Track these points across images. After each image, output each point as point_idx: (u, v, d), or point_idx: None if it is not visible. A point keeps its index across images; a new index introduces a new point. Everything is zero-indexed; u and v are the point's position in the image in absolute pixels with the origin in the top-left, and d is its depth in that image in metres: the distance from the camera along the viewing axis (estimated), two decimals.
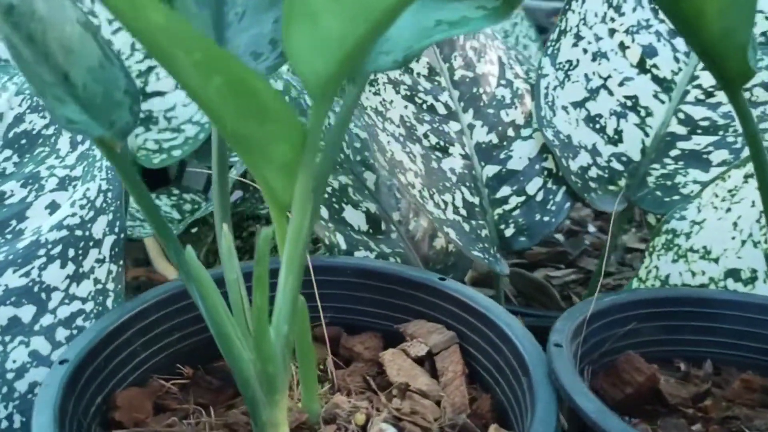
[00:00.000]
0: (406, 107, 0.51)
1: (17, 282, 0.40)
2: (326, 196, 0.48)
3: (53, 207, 0.43)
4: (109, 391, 0.37)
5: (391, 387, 0.39)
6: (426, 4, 0.32)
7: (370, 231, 0.50)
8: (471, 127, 0.54)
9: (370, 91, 0.49)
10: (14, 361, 0.38)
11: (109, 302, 0.40)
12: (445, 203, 0.49)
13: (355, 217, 0.49)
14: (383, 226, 0.51)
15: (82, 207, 0.42)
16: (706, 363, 0.42)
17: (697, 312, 0.43)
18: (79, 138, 0.45)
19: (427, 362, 0.41)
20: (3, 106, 0.47)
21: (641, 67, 0.54)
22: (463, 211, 0.51)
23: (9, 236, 0.42)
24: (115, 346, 0.38)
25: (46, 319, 0.39)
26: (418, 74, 0.52)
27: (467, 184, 0.52)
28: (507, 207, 0.54)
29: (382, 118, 0.49)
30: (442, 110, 0.53)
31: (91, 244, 0.41)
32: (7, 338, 0.39)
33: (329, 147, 0.31)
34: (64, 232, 0.41)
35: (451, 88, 0.54)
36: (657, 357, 0.43)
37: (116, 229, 0.42)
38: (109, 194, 0.43)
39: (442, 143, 0.52)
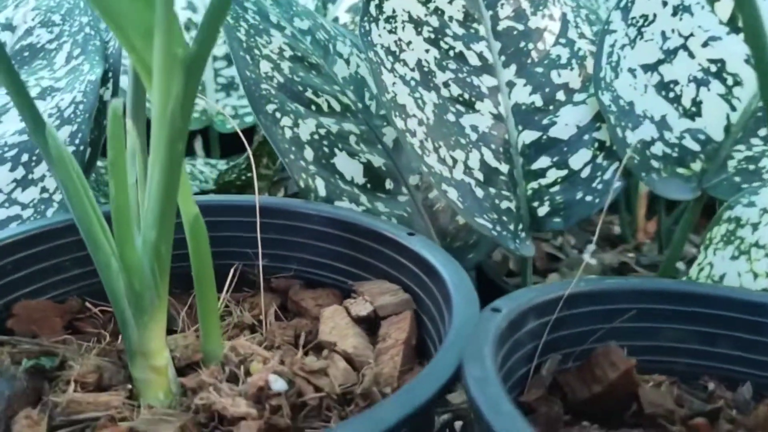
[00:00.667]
0: (427, 51, 0.44)
1: None
2: (317, 137, 0.42)
3: None
4: (14, 298, 0.34)
5: (316, 344, 0.33)
6: None
7: (368, 186, 0.44)
8: (510, 84, 0.46)
9: (384, 28, 0.43)
10: None
11: (50, 212, 0.38)
12: (454, 160, 0.42)
13: (348, 167, 0.43)
14: (389, 185, 0.45)
15: (50, 116, 0.41)
16: (743, 386, 0.32)
17: (742, 319, 0.33)
18: (75, 52, 0.44)
19: (372, 325, 0.34)
20: (19, 19, 0.46)
21: (732, 24, 0.44)
22: (478, 174, 0.43)
23: None
24: (34, 252, 0.35)
25: None
26: (450, 18, 0.46)
27: (492, 147, 0.44)
28: (544, 181, 0.45)
29: (393, 59, 0.43)
30: (474, 60, 0.46)
31: None
32: None
33: (210, 15, 0.26)
34: (24, 137, 0.40)
35: (491, 38, 0.47)
36: (678, 370, 0.32)
37: (77, 141, 0.39)
38: (81, 106, 0.40)
39: (466, 96, 0.45)
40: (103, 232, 0.29)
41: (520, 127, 0.46)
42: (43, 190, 0.38)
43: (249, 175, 0.61)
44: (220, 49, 0.75)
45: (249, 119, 0.74)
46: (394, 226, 0.37)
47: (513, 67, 0.47)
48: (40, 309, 0.35)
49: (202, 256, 0.31)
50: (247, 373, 0.30)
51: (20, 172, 0.39)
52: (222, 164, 0.68)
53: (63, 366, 0.31)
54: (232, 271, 0.38)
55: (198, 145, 0.78)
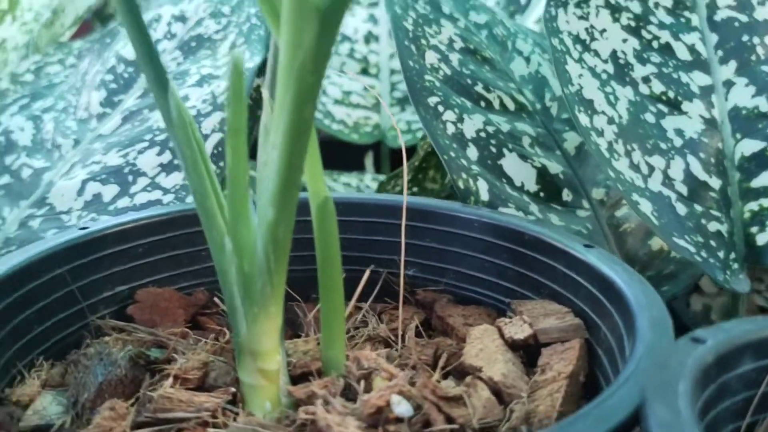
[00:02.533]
0: (625, 41, 0.37)
1: (114, 161, 0.38)
2: (483, 135, 0.37)
3: (184, 100, 0.40)
4: (141, 284, 0.32)
5: (458, 368, 0.27)
6: None
7: (540, 194, 0.37)
8: (728, 84, 0.38)
9: (573, 13, 0.37)
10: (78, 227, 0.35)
11: (189, 199, 0.35)
12: (650, 168, 0.34)
13: (518, 170, 0.36)
14: (566, 197, 0.38)
15: (204, 102, 0.39)
16: None
17: None
18: (239, 41, 0.42)
19: (530, 353, 0.27)
20: (191, 11, 0.46)
21: None
22: (681, 187, 0.35)
23: (137, 123, 0.40)
24: (167, 238, 0.33)
25: (123, 201, 0.36)
26: (656, 4, 0.38)
27: (701, 156, 0.36)
28: (766, 202, 0.36)
29: (581, 47, 0.36)
30: (683, 54, 0.38)
31: None
32: (84, 213, 0.36)
33: None
34: None
35: (705, 29, 0.38)
36: None
37: (224, 128, 0.37)
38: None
39: (671, 95, 0.37)
40: (219, 208, 0.25)
41: (738, 136, 0.37)
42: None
43: (416, 189, 0.56)
44: (396, 61, 0.73)
45: (420, 134, 0.70)
46: (568, 237, 0.30)
47: (732, 64, 0.38)
48: (165, 298, 0.32)
49: (329, 247, 0.26)
50: (368, 390, 0.24)
51: (166, 157, 0.37)
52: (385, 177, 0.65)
53: (171, 360, 0.27)
54: (364, 276, 0.33)
55: (368, 161, 0.75)
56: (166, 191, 0.36)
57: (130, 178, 0.36)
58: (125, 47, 0.45)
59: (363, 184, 0.67)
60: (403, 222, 0.32)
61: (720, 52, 0.38)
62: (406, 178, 0.33)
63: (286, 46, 0.22)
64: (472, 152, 0.36)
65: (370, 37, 0.70)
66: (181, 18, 0.45)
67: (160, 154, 0.37)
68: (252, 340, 0.25)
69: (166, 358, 0.27)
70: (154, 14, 0.46)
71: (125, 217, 0.32)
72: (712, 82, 0.38)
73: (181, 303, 0.32)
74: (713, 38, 0.38)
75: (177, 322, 0.31)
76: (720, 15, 0.39)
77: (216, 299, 0.33)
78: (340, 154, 0.69)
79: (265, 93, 0.27)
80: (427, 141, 0.46)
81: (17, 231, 0.37)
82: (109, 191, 0.36)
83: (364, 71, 0.70)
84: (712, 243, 0.34)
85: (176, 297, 0.32)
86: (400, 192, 0.56)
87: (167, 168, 0.36)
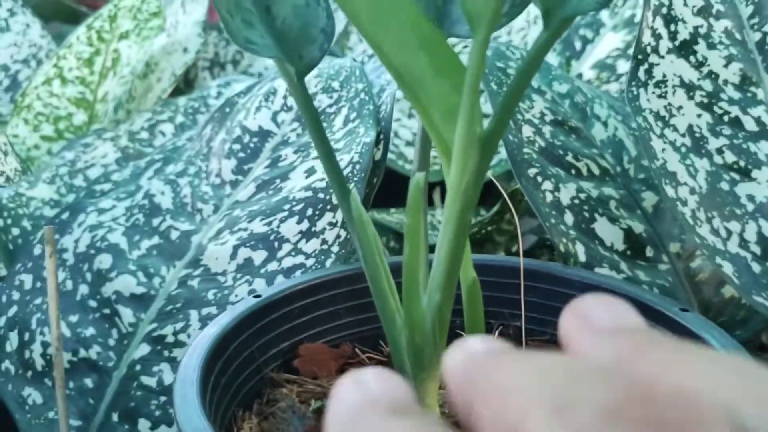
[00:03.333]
0: (699, 116, 0.43)
1: (260, 229, 0.44)
2: (577, 202, 0.42)
3: (310, 172, 0.46)
4: (299, 340, 0.38)
5: None
6: None
7: (627, 253, 0.42)
8: None
9: (653, 93, 0.43)
10: (236, 296, 0.42)
11: (328, 263, 0.42)
12: (729, 233, 0.40)
13: (608, 232, 0.42)
14: (649, 253, 0.43)
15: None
16: None
17: None
18: (352, 116, 0.48)
19: None
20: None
21: None
22: (756, 248, 0.40)
23: (271, 192, 0.46)
24: (316, 299, 0.39)
25: (272, 266, 0.42)
26: (725, 81, 0.44)
27: None
28: None
29: (662, 124, 0.42)
30: (751, 126, 0.43)
31: (328, 207, 0.43)
32: (239, 275, 0.43)
33: (508, 97, 0.27)
34: (310, 193, 0.44)
35: None
36: None
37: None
38: (357, 166, 0.44)
39: (742, 164, 0.42)
40: (390, 290, 0.31)
41: None
42: (323, 242, 0.42)
43: (490, 228, 0.62)
44: None
45: (488, 173, 0.76)
46: (661, 298, 0.36)
47: None
48: (320, 351, 0.38)
49: (476, 318, 0.32)
50: None
51: (305, 225, 0.43)
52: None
53: None
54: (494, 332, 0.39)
55: (437, 196, 0.81)
56: (307, 256, 0.42)
57: (276, 244, 0.43)
58: (247, 118, 0.51)
59: (435, 220, 0.73)
60: (522, 282, 0.38)
61: None
62: (521, 246, 0.39)
63: (455, 171, 0.28)
64: (569, 218, 0.42)
65: None
66: None
67: (299, 222, 0.43)
68: (418, 398, 0.31)
69: None
70: (269, 87, 0.53)
71: (286, 284, 0.38)
72: None
73: (332, 355, 0.38)
74: None
75: (331, 372, 0.37)
76: None
77: (357, 350, 0.39)
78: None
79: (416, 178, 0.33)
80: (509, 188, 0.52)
81: (177, 289, 0.44)
82: (259, 256, 0.43)
83: None
84: None
85: (327, 350, 0.38)
86: (477, 231, 0.62)
87: (306, 235, 0.43)
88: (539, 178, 0.42)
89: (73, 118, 0.76)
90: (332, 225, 0.43)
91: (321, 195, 0.44)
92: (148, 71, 0.81)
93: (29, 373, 0.44)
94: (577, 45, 0.77)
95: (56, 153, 0.65)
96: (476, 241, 0.66)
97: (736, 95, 0.43)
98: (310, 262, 0.42)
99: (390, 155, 0.76)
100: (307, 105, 0.30)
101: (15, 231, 0.53)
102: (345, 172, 0.45)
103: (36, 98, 0.73)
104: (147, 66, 0.81)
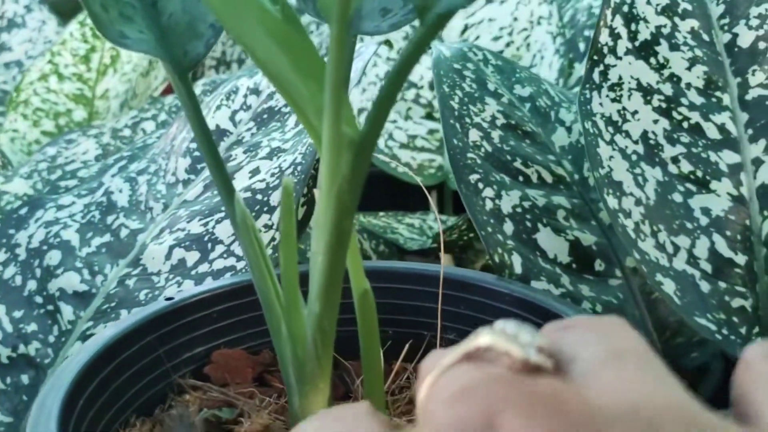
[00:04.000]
0: (656, 122, 0.40)
1: (197, 229, 0.43)
2: (519, 210, 0.40)
3: (255, 172, 0.45)
4: (215, 346, 0.37)
5: None
6: None
7: (573, 266, 0.40)
8: (757, 162, 0.40)
9: (607, 96, 0.40)
10: (164, 297, 0.41)
11: None
12: (676, 248, 0.37)
13: (552, 244, 0.40)
14: (599, 266, 0.41)
15: (272, 175, 0.44)
16: None
17: None
18: None
19: None
20: (264, 84, 0.51)
21: None
22: (706, 265, 0.37)
23: (215, 192, 0.46)
24: (237, 304, 0.38)
25: (203, 267, 0.41)
26: (688, 85, 0.41)
27: (727, 233, 0.38)
28: None
29: (613, 129, 0.39)
30: (713, 133, 0.40)
31: (265, 209, 0.42)
32: (171, 276, 0.42)
33: (381, 98, 0.26)
34: (248, 194, 0.43)
35: (737, 108, 0.40)
36: None
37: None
38: (299, 167, 0.43)
39: (699, 174, 0.39)
40: (277, 299, 0.30)
41: (766, 213, 0.39)
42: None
43: (471, 235, 0.60)
44: None
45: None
46: (582, 313, 0.33)
47: (762, 143, 0.40)
48: (236, 358, 0.37)
49: (369, 331, 0.30)
50: None
51: None
52: (452, 221, 0.69)
53: (238, 419, 0.32)
54: (401, 344, 0.37)
55: (432, 201, 0.79)
56: (239, 258, 0.41)
57: (209, 245, 0.42)
58: (208, 116, 0.51)
59: (426, 225, 0.71)
60: (440, 290, 0.36)
61: (750, 131, 0.40)
62: (443, 254, 0.37)
63: (325, 171, 0.26)
64: (508, 227, 0.39)
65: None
66: (255, 90, 0.51)
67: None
68: (303, 411, 0.29)
69: (234, 418, 0.32)
70: (232, 86, 0.52)
71: (202, 287, 0.37)
72: (741, 160, 0.40)
73: (249, 362, 0.37)
74: (744, 117, 0.40)
75: (247, 379, 0.36)
76: (752, 94, 0.41)
77: (277, 357, 0.38)
78: (405, 196, 0.73)
79: (316, 192, 0.32)
80: None
81: (116, 288, 0.44)
82: (192, 257, 0.42)
83: (429, 116, 0.74)
84: (735, 319, 0.36)
85: (245, 357, 0.37)
86: (459, 238, 0.60)
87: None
88: (480, 185, 0.40)
89: (73, 114, 0.77)
90: (267, 227, 0.42)
91: (259, 196, 0.43)
92: (151, 69, 0.82)
93: None
94: (581, 46, 0.74)
95: (39, 148, 0.66)
96: (458, 247, 0.64)
97: (699, 100, 0.40)
98: (241, 264, 0.41)
99: (382, 157, 0.75)
100: (190, 102, 0.29)
101: None
102: (287, 173, 0.44)
103: (33, 93, 0.74)
104: (150, 63, 0.81)
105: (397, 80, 0.26)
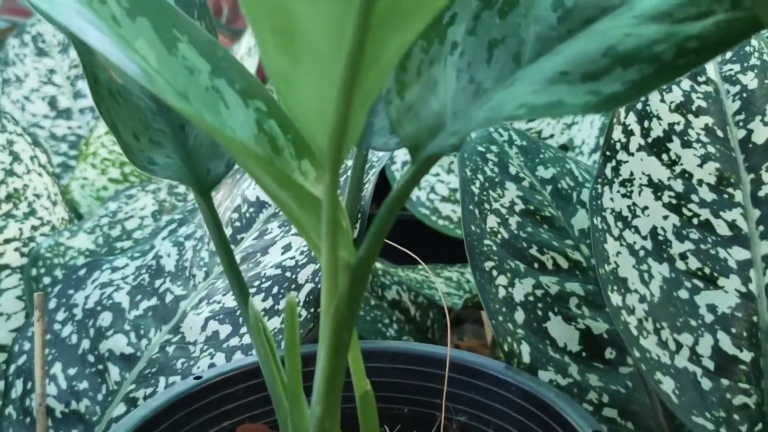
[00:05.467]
0: (665, 218, 0.41)
1: (230, 303, 0.47)
2: (531, 299, 0.42)
3: (287, 248, 0.48)
4: (239, 420, 0.40)
5: None
6: (524, 81, 0.27)
7: (583, 354, 0.41)
8: None
9: (618, 192, 0.42)
10: (198, 368, 0.45)
11: (283, 343, 0.44)
12: (678, 345, 0.38)
13: (562, 332, 0.41)
14: (609, 354, 0.42)
15: (301, 253, 0.47)
16: None
17: None
18: None
19: None
20: None
21: None
22: (709, 363, 0.38)
23: (251, 265, 0.49)
24: (261, 381, 0.41)
25: (234, 341, 0.45)
26: (700, 181, 0.42)
27: (733, 331, 0.39)
28: None
29: (622, 225, 0.41)
30: (723, 230, 0.41)
31: (293, 287, 0.45)
32: (205, 347, 0.46)
33: (377, 228, 0.28)
34: (278, 271, 0.46)
35: (749, 205, 0.41)
36: None
37: (317, 279, 0.45)
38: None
39: (707, 271, 0.40)
40: (285, 396, 0.33)
41: None
42: (284, 321, 0.44)
43: None
44: None
45: None
46: (586, 418, 0.35)
47: None
48: (258, 430, 0.40)
49: (370, 427, 0.33)
50: None
51: (269, 303, 0.45)
52: None
53: None
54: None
55: None
56: None
57: (240, 320, 0.45)
58: (249, 188, 0.55)
59: (464, 278, 0.73)
60: (447, 373, 0.39)
61: (761, 227, 0.41)
62: (450, 337, 0.39)
63: (324, 291, 0.29)
64: (519, 315, 0.41)
65: None
66: None
67: (264, 299, 0.45)
68: None
69: None
70: None
71: (229, 366, 0.40)
72: (752, 256, 0.41)
73: None
74: (755, 214, 0.41)
75: None
76: (765, 190, 0.41)
77: None
78: (445, 248, 0.75)
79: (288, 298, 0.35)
80: None
81: (157, 354, 0.48)
82: (224, 330, 0.46)
83: None
84: (735, 417, 0.37)
85: (266, 430, 0.41)
86: None
87: (269, 312, 0.45)
88: (494, 272, 0.42)
89: None
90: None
91: (288, 274, 0.46)
92: None
93: (27, 420, 0.49)
94: None
95: (103, 202, 0.71)
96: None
97: (710, 197, 0.41)
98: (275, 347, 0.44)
99: (424, 210, 0.78)
100: (212, 218, 0.32)
101: (46, 279, 0.59)
102: (313, 253, 0.47)
103: (101, 146, 0.80)
104: None
105: (392, 211, 0.29)
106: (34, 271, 0.58)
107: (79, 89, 0.99)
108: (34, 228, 0.62)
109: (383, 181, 0.74)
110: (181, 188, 0.70)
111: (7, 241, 0.60)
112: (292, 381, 0.31)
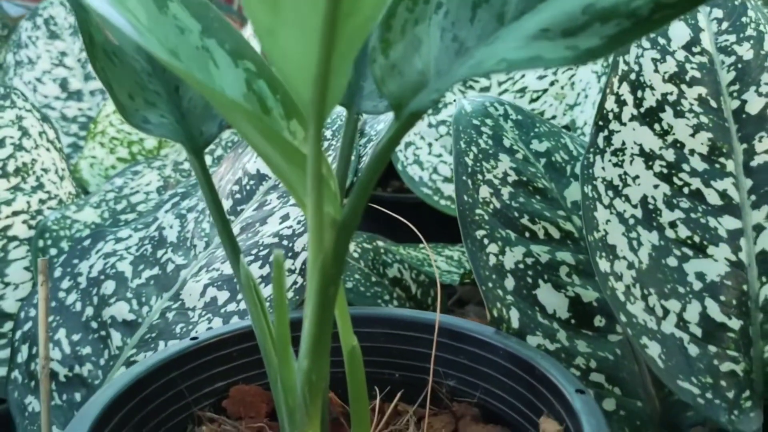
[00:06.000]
0: (656, 187, 0.41)
1: (228, 270, 0.48)
2: (522, 266, 0.43)
3: (285, 218, 0.49)
4: (234, 381, 0.41)
5: None
6: (506, 39, 0.27)
7: (572, 321, 0.42)
8: (759, 228, 0.40)
9: (609, 161, 0.42)
10: (197, 332, 0.46)
11: None
12: (665, 311, 0.38)
13: (551, 299, 0.42)
14: (598, 322, 0.43)
15: (298, 222, 0.48)
16: None
17: None
18: (334, 165, 0.51)
19: None
20: None
21: None
22: (695, 329, 0.38)
23: (250, 234, 0.50)
24: (255, 344, 0.42)
25: (231, 306, 0.46)
26: (691, 151, 0.42)
27: (722, 298, 0.39)
28: None
29: (613, 193, 0.41)
30: (713, 199, 0.41)
31: (289, 254, 0.46)
32: (203, 312, 0.47)
33: (360, 186, 0.29)
34: (275, 240, 0.47)
35: (740, 175, 0.41)
36: None
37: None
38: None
39: (697, 239, 0.40)
40: (275, 352, 0.33)
41: (764, 278, 0.40)
42: None
43: None
44: None
45: None
46: (570, 379, 0.35)
47: (765, 209, 0.41)
48: (252, 393, 0.41)
49: (357, 384, 0.34)
50: None
51: (266, 270, 0.46)
52: None
53: None
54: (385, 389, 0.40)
55: None
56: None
57: (238, 286, 0.46)
58: (250, 161, 0.55)
59: (465, 258, 0.74)
60: (435, 338, 0.39)
61: (753, 197, 0.41)
62: (439, 303, 0.40)
63: (311, 247, 0.30)
64: (509, 282, 0.42)
65: None
66: None
67: (261, 267, 0.46)
68: None
69: None
70: None
71: (224, 328, 0.41)
72: (742, 225, 0.41)
73: (264, 398, 0.41)
74: (747, 183, 0.41)
75: (260, 414, 0.40)
76: (757, 160, 0.42)
77: None
78: (447, 228, 0.76)
79: (275, 255, 0.35)
80: None
81: (158, 320, 0.49)
82: (222, 296, 0.46)
83: None
84: (723, 383, 0.38)
85: (260, 392, 0.41)
86: None
87: (266, 279, 0.46)
88: (486, 240, 0.43)
89: (144, 142, 0.84)
90: (290, 272, 0.46)
91: (285, 242, 0.47)
92: None
93: (32, 383, 0.50)
94: None
95: (109, 179, 0.72)
96: None
97: (701, 166, 0.42)
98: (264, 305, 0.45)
99: (426, 190, 0.78)
100: (205, 178, 0.33)
101: (53, 251, 0.60)
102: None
103: (108, 125, 0.81)
104: None
105: (376, 167, 0.29)
106: (41, 243, 0.60)
107: (89, 71, 1.00)
108: (41, 201, 0.64)
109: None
110: (186, 165, 0.71)
111: (15, 214, 0.62)
112: (281, 335, 0.32)
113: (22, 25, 1.01)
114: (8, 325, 0.58)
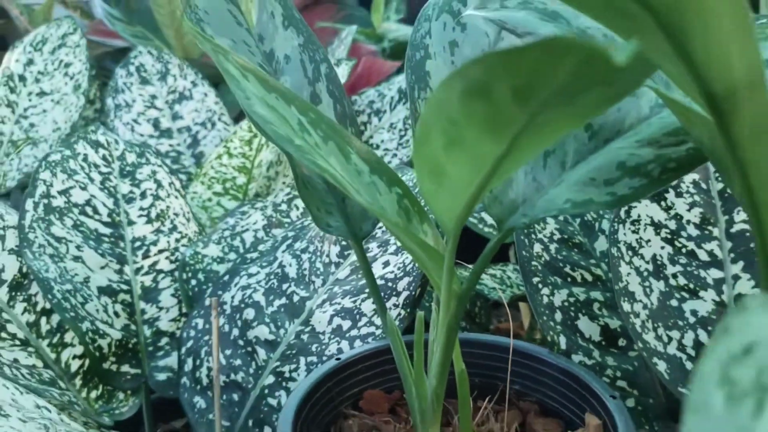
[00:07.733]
0: (662, 248, 0.58)
1: (348, 304, 0.65)
2: (566, 304, 0.59)
3: (386, 264, 0.66)
4: (365, 388, 0.58)
5: None
6: (567, 182, 0.44)
7: (602, 343, 0.59)
8: (736, 278, 0.57)
9: (629, 228, 0.58)
10: (329, 351, 0.63)
11: None
12: (669, 338, 0.55)
13: (588, 328, 0.59)
14: (621, 343, 0.60)
15: (399, 268, 0.65)
16: None
17: None
18: None
19: None
20: None
21: None
22: (691, 351, 0.55)
23: (359, 276, 0.67)
24: (379, 360, 0.59)
25: (353, 332, 0.63)
26: (687, 221, 0.58)
27: (709, 329, 0.56)
28: None
29: (632, 253, 0.58)
30: (704, 257, 0.58)
31: (393, 293, 0.63)
32: (332, 336, 0.64)
33: (469, 281, 0.46)
34: (382, 282, 0.64)
35: (723, 239, 0.58)
36: None
37: (411, 288, 0.63)
38: (415, 264, 0.64)
39: (691, 286, 0.57)
40: (409, 373, 0.51)
41: None
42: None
43: None
44: None
45: None
46: (605, 388, 0.52)
47: (740, 263, 0.57)
48: (377, 396, 0.58)
49: (464, 396, 0.51)
50: None
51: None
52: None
53: None
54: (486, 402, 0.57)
55: (512, 252, 0.99)
56: (377, 327, 0.62)
57: (357, 317, 0.63)
58: None
59: (506, 275, 0.91)
60: (510, 357, 0.56)
61: (732, 255, 0.58)
62: (511, 332, 0.57)
63: (442, 309, 0.47)
64: (558, 316, 0.59)
65: None
66: None
67: (373, 302, 0.63)
68: None
69: None
70: None
71: (356, 350, 0.59)
72: (724, 275, 0.57)
73: (386, 399, 0.58)
74: (728, 245, 0.58)
75: (384, 410, 0.58)
76: (736, 228, 0.58)
77: (404, 396, 0.59)
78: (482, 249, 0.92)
79: (419, 316, 0.52)
80: None
81: (294, 340, 0.66)
82: (346, 324, 0.64)
83: None
84: None
85: (383, 395, 0.59)
86: None
87: (375, 312, 0.63)
88: (540, 285, 0.60)
89: (236, 180, 1.01)
90: (396, 306, 0.63)
91: (390, 284, 0.64)
92: None
93: (198, 387, 0.67)
94: None
95: (222, 218, 0.89)
96: None
97: (695, 232, 0.58)
98: (378, 332, 0.62)
99: (472, 219, 0.95)
100: (364, 263, 0.50)
101: (193, 282, 0.77)
102: (407, 268, 0.64)
103: (210, 168, 0.98)
104: None
105: (483, 264, 0.46)
106: (184, 275, 0.77)
107: (176, 111, 1.17)
108: (177, 240, 0.81)
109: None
110: (283, 206, 0.88)
111: (160, 252, 0.79)
112: (418, 365, 0.49)
113: (117, 72, 1.18)
114: (164, 340, 0.75)
